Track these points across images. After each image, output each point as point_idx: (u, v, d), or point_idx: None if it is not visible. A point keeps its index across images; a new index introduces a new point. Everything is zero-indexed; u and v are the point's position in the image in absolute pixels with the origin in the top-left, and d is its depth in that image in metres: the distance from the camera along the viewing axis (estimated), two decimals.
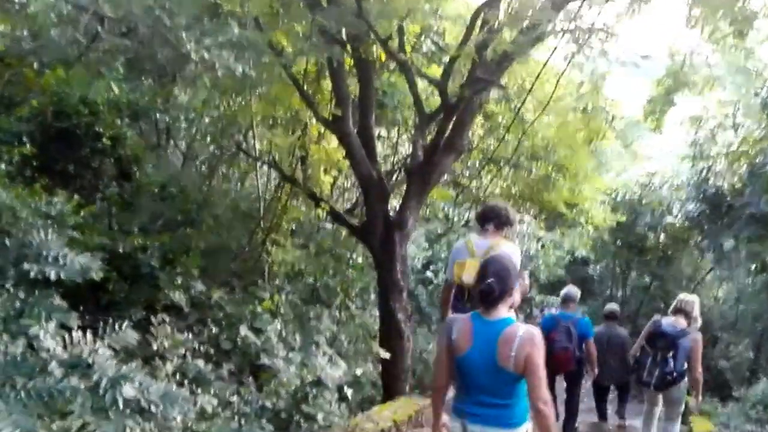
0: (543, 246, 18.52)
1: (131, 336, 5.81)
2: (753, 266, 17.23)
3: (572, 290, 9.67)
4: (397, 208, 9.82)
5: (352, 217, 10.60)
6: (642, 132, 22.74)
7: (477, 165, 14.59)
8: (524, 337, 4.04)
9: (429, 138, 9.57)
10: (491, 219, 6.07)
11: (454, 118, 8.98)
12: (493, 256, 4.60)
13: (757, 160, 13.64)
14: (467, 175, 14.72)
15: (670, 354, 7.79)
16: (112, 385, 4.67)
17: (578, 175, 15.75)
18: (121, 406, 4.62)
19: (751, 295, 22.15)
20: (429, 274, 18.79)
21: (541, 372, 4.05)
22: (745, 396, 18.24)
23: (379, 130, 12.58)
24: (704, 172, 15.30)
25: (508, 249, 5.63)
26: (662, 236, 20.34)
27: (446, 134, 9.13)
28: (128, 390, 4.72)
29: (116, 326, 5.70)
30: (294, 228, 11.98)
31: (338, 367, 8.54)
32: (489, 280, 4.13)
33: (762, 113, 13.98)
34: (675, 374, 7.87)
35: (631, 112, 18.65)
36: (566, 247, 19.53)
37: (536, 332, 4.12)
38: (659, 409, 8.51)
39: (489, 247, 5.76)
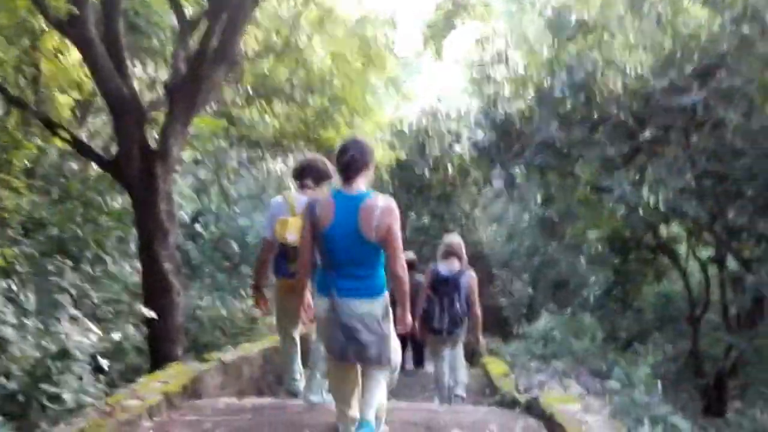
0: None
1: None
2: (538, 196, 16.96)
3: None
4: (158, 135, 8.07)
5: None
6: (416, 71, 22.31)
7: (250, 92, 12.99)
8: (384, 207, 4.41)
9: (193, 48, 7.91)
10: (309, 174, 6.09)
11: (222, 18, 7.54)
12: (351, 138, 4.98)
13: (545, 84, 13.00)
14: (239, 104, 13.06)
15: (455, 296, 8.03)
16: None
17: (357, 109, 14.69)
18: None
19: (525, 231, 22.33)
20: (198, 227, 17.32)
21: (399, 241, 4.49)
22: (527, 333, 18.37)
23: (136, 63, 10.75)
24: (492, 97, 14.53)
25: None
26: (450, 169, 19.68)
27: (214, 40, 7.59)
28: None
29: None
30: (31, 167, 9.89)
31: (90, 332, 6.76)
32: (351, 153, 4.51)
33: (547, 34, 13.35)
34: (461, 315, 8.19)
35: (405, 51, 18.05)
36: None
37: (394, 204, 4.50)
38: (448, 352, 8.65)
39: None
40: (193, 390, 6.81)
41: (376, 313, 4.52)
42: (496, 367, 10.91)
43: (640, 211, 11.55)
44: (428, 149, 19.65)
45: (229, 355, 8.23)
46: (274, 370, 10.03)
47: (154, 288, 7.98)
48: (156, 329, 8.06)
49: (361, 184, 4.52)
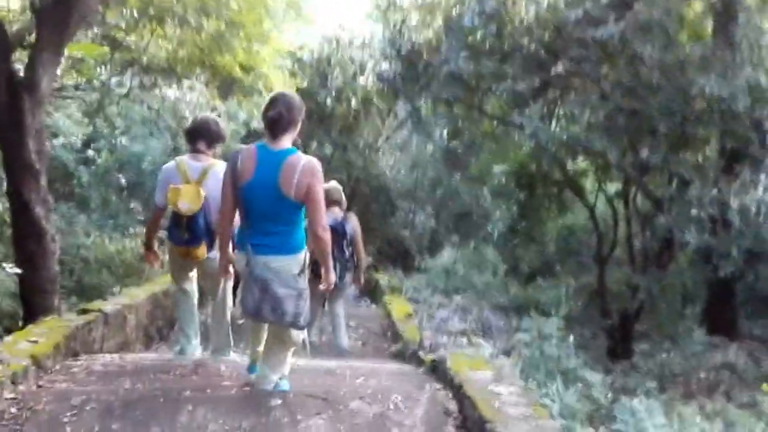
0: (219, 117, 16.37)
1: None
2: (445, 131, 16.51)
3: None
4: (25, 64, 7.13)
5: None
6: None
7: (135, 15, 11.86)
8: (306, 165, 4.37)
9: None
10: (201, 136, 5.86)
11: None
12: (280, 92, 4.79)
13: (454, 13, 12.32)
14: (123, 27, 11.90)
15: (343, 244, 7.93)
16: None
17: (255, 34, 13.79)
18: None
19: (428, 162, 21.96)
20: (91, 152, 17.16)
21: (321, 201, 4.46)
22: (429, 266, 18.15)
23: None
24: (398, 26, 13.73)
25: (223, 169, 5.13)
26: (353, 101, 18.89)
27: None
28: None
29: None
30: None
31: None
32: (278, 109, 4.43)
33: None
34: (349, 263, 8.17)
35: None
36: (242, 118, 17.62)
37: (317, 163, 4.46)
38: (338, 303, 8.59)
39: (203, 171, 5.69)
40: (68, 347, 6.17)
41: (291, 269, 4.51)
42: (398, 307, 10.62)
43: (550, 147, 11.16)
44: (330, 79, 18.79)
45: (111, 304, 7.64)
46: (164, 315, 9.44)
47: (25, 234, 7.19)
48: (28, 279, 7.32)
49: (287, 140, 4.50)
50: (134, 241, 12.06)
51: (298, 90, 17.16)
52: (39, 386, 5.16)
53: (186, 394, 4.90)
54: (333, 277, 4.83)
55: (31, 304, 7.31)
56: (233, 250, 4.89)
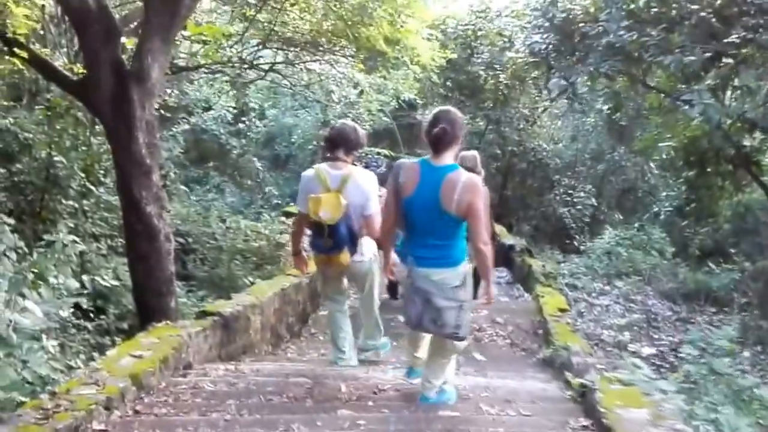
0: (362, 92, 15.92)
1: None
2: (606, 107, 15.35)
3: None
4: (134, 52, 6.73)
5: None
6: None
7: None
8: (467, 183, 4.41)
9: None
10: (340, 144, 5.87)
11: None
12: (443, 108, 4.79)
13: None
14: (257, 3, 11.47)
15: None
16: None
17: (399, 4, 13.15)
18: None
19: (590, 133, 20.86)
20: (242, 126, 17.66)
21: (482, 216, 4.50)
22: (589, 248, 17.23)
23: None
24: None
25: (364, 176, 5.80)
26: (501, 76, 17.93)
27: None
28: None
29: None
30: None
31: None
32: (442, 125, 4.47)
33: None
34: None
35: None
36: (391, 91, 17.21)
37: (478, 180, 4.59)
38: None
39: (343, 179, 5.71)
40: (179, 359, 5.69)
41: (452, 282, 4.54)
42: (551, 300, 9.67)
43: (723, 124, 9.92)
44: (477, 54, 17.86)
45: (232, 305, 7.12)
46: (294, 311, 9.01)
47: (136, 233, 6.81)
48: (141, 280, 6.97)
49: (449, 157, 4.54)
50: (268, 228, 11.71)
51: (448, 61, 16.49)
52: (136, 412, 4.70)
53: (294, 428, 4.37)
54: (494, 291, 4.83)
55: (146, 306, 6.94)
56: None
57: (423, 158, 4.61)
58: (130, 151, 6.55)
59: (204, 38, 9.40)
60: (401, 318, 5.35)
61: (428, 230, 4.55)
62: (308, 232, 6.09)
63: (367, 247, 6.06)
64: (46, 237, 7.20)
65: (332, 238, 5.64)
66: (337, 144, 5.89)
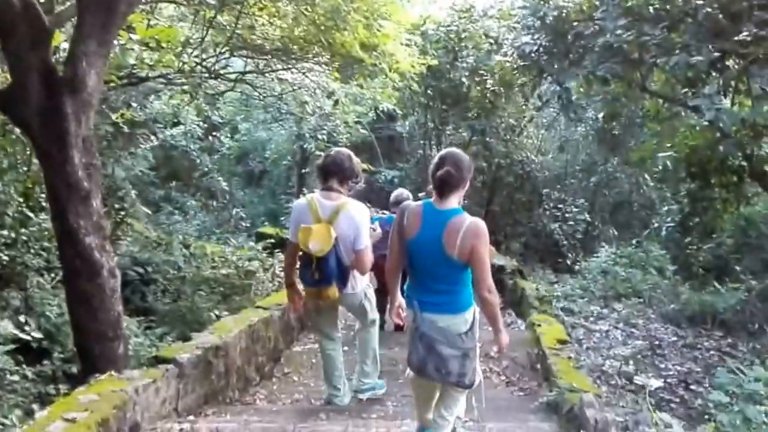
0: (337, 102, 15.27)
1: None
2: (601, 115, 14.73)
3: (404, 193, 9.23)
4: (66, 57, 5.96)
5: None
6: None
7: None
8: (470, 228, 4.42)
9: None
10: (334, 173, 5.93)
11: None
12: (449, 150, 4.81)
13: None
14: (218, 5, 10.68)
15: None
16: None
17: (375, 7, 12.54)
18: None
19: (580, 143, 20.40)
20: (222, 139, 18.32)
21: (486, 262, 4.50)
22: (584, 267, 16.74)
23: None
24: None
25: (356, 209, 5.79)
26: (488, 81, 17.25)
27: None
28: None
29: None
30: None
31: None
32: (447, 167, 4.52)
33: None
34: None
35: None
36: (368, 102, 16.69)
37: (482, 224, 4.50)
38: None
39: (335, 210, 5.75)
40: (121, 420, 4.94)
41: (458, 329, 4.57)
42: (549, 330, 9.06)
43: (735, 131, 9.30)
44: (463, 56, 17.18)
45: (191, 348, 6.44)
46: (264, 349, 8.29)
47: (75, 269, 6.02)
48: (83, 324, 6.17)
49: (454, 200, 4.60)
50: (235, 255, 11.12)
51: (429, 68, 15.87)
52: None
53: None
54: (505, 339, 4.82)
55: (89, 354, 6.12)
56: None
57: (427, 200, 4.67)
58: (64, 173, 5.75)
59: (159, 43, 8.66)
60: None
61: (432, 275, 4.56)
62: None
63: (359, 278, 6.02)
64: None
65: (320, 271, 5.68)
66: (331, 173, 5.91)
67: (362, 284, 6.10)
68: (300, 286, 6.30)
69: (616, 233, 20.08)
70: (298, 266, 6.15)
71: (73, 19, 6.41)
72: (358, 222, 5.74)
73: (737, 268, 15.48)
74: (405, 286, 4.95)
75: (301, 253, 5.89)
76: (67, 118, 5.68)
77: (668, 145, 14.10)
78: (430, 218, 4.54)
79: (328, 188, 5.90)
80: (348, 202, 5.84)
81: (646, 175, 19.14)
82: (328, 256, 5.65)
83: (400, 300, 5.08)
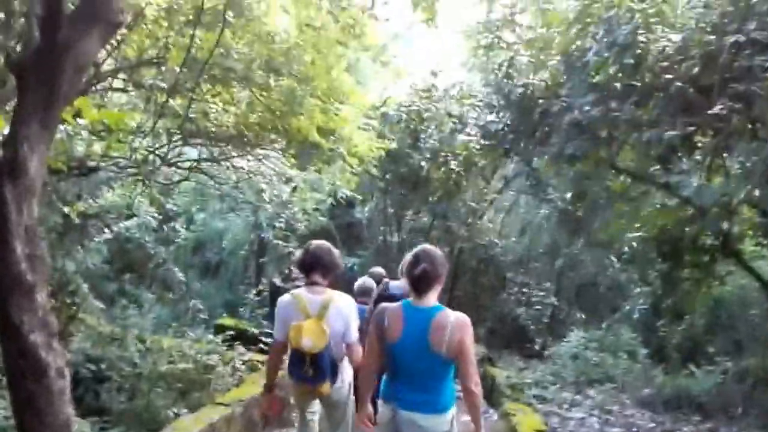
0: (295, 189, 15.00)
1: None
2: (569, 194, 14.56)
3: (367, 282, 8.86)
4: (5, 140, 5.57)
5: None
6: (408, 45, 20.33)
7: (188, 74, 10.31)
8: (456, 323, 4.50)
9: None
10: (316, 267, 5.90)
11: None
12: (423, 247, 4.88)
13: (573, 48, 10.37)
14: (168, 87, 10.30)
15: None
16: None
17: (332, 90, 12.36)
18: None
19: (542, 226, 20.37)
20: (178, 230, 17.59)
21: (472, 356, 4.55)
22: (554, 353, 16.62)
23: None
24: (504, 67, 11.77)
25: (344, 302, 5.74)
26: (452, 162, 17.04)
27: None
28: None
29: None
30: None
31: None
32: (423, 265, 4.59)
33: None
34: None
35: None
36: (326, 188, 16.38)
37: (466, 319, 4.57)
38: None
39: (323, 305, 5.66)
40: None
41: (439, 428, 4.58)
42: (526, 421, 8.87)
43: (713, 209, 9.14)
44: (424, 138, 17.02)
45: None
46: None
47: (19, 369, 5.50)
48: (28, 429, 5.62)
49: (433, 297, 4.65)
50: (194, 348, 10.76)
51: (387, 153, 15.67)
52: None
53: None
54: None
55: None
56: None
57: (406, 300, 4.70)
58: (6, 265, 5.30)
59: (110, 128, 8.28)
60: None
61: (415, 373, 4.57)
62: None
63: (347, 368, 5.93)
64: None
65: (315, 368, 5.56)
66: (313, 267, 5.89)
67: (349, 376, 5.97)
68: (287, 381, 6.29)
69: (583, 316, 19.91)
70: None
71: (12, 101, 6.02)
72: (347, 315, 5.68)
73: (710, 349, 15.41)
74: (380, 387, 4.91)
75: (292, 350, 5.78)
76: (7, 205, 5.23)
77: (636, 225, 13.97)
78: (412, 318, 4.56)
79: (312, 282, 5.87)
80: (335, 296, 5.80)
81: (612, 257, 19.06)
82: (323, 353, 5.54)
83: (369, 409, 5.08)
